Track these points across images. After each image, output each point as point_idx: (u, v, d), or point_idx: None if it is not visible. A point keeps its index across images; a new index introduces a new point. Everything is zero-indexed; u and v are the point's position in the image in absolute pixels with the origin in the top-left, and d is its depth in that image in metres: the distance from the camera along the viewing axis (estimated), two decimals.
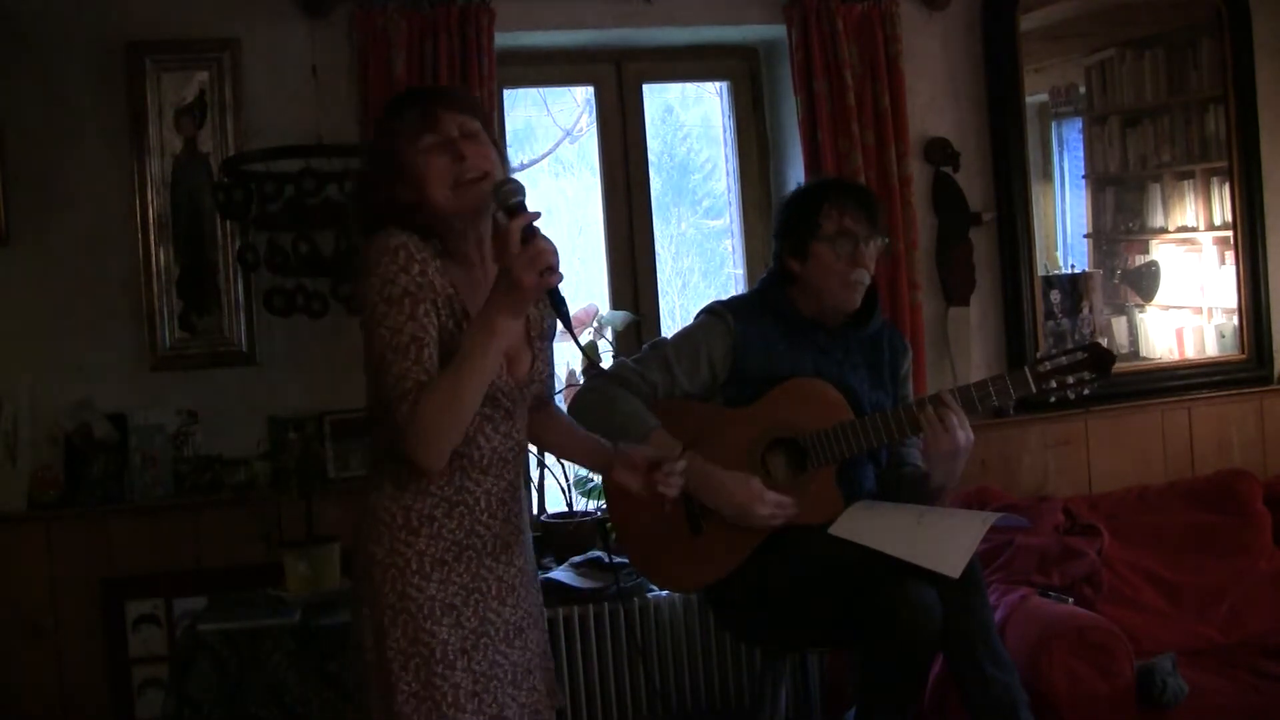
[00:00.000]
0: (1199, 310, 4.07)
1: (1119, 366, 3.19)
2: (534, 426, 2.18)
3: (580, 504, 3.68)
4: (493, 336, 1.81)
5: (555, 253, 1.82)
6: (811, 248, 2.76)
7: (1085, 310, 3.92)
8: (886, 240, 2.89)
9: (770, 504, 2.65)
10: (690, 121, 4.49)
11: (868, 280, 2.78)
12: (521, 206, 1.86)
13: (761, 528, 2.67)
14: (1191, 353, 4.04)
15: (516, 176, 1.95)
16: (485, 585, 2.00)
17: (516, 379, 1.99)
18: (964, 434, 2.62)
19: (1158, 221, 4.07)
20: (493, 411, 1.95)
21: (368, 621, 1.94)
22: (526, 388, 2.02)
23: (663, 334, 3.72)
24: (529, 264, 1.78)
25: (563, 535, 3.55)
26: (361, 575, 1.96)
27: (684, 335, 2.84)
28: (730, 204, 4.02)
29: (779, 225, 2.86)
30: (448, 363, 1.85)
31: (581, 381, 3.41)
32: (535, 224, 1.83)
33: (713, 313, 2.84)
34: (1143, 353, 4.03)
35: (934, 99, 3.77)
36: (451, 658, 1.93)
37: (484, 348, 1.82)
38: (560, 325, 1.94)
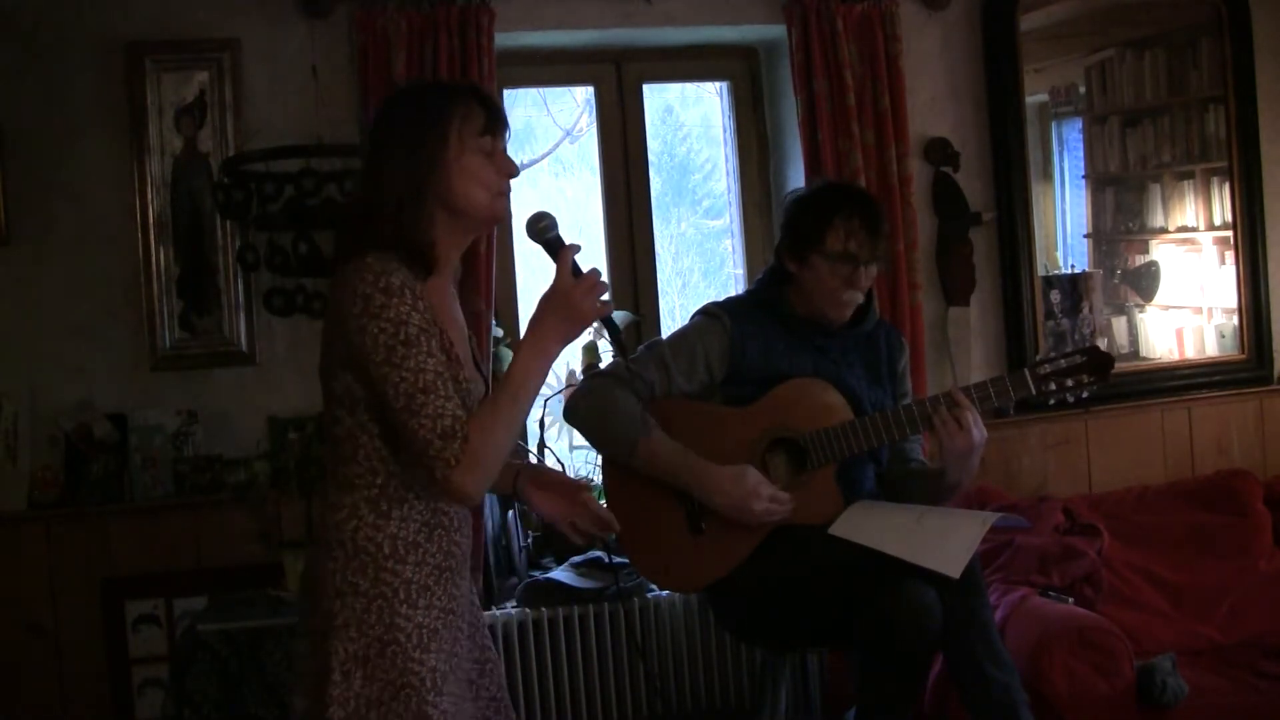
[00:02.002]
0: (1199, 310, 4.07)
1: (1119, 366, 3.19)
2: None
3: None
4: (548, 362, 1.89)
5: (604, 282, 1.90)
6: (811, 258, 2.76)
7: (1085, 310, 3.92)
8: (886, 265, 2.90)
9: (766, 498, 2.65)
10: (690, 121, 4.49)
11: (860, 300, 2.79)
12: (561, 240, 1.93)
13: (759, 525, 2.67)
14: (1191, 353, 4.04)
15: (546, 210, 1.98)
16: (458, 605, 1.98)
17: (477, 399, 1.97)
18: (978, 431, 2.64)
19: (1158, 221, 4.07)
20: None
21: (342, 652, 1.87)
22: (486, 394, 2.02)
23: (662, 334, 3.72)
24: (588, 293, 1.86)
25: (562, 535, 3.55)
26: (338, 608, 1.88)
27: (680, 335, 2.84)
28: (730, 204, 4.02)
29: (785, 221, 2.86)
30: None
31: (580, 381, 3.42)
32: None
33: (709, 314, 2.84)
34: (1143, 353, 4.03)
35: (934, 99, 3.77)
36: (440, 684, 1.90)
37: (540, 373, 1.88)
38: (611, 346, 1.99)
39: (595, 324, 1.98)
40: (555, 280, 1.88)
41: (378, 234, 1.88)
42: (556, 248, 1.91)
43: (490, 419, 1.83)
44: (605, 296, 1.89)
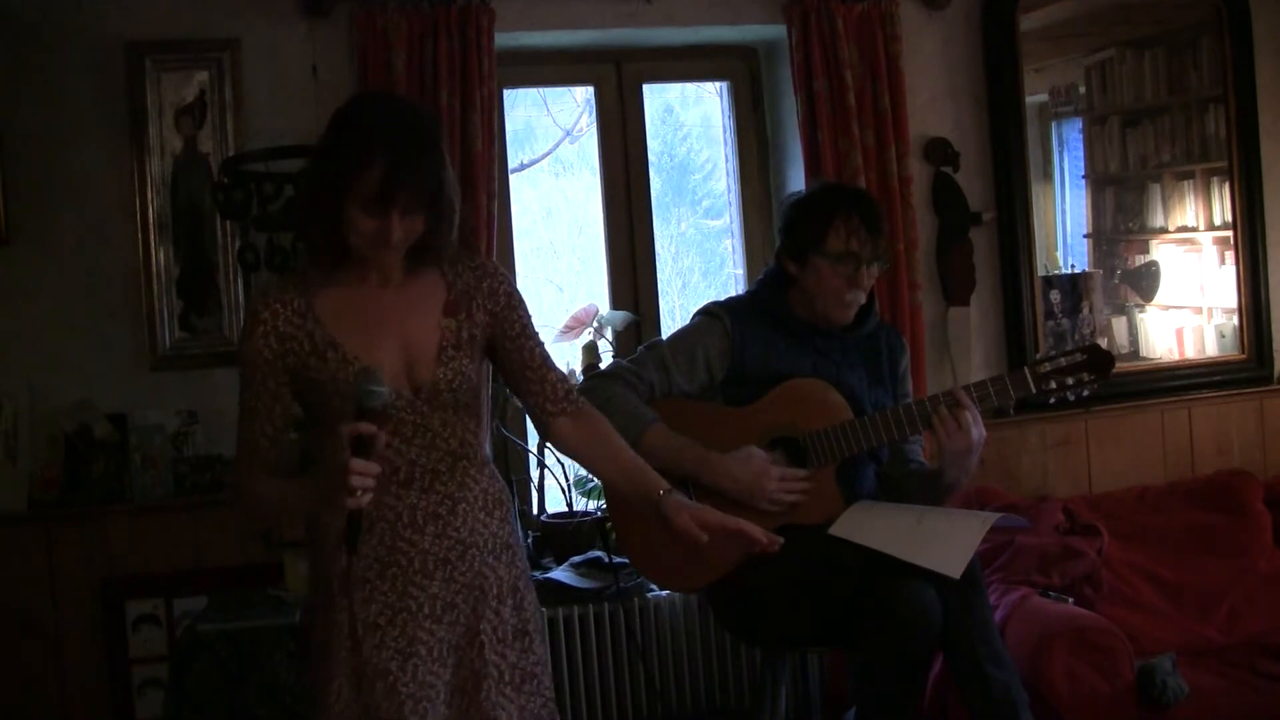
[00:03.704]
0: (1199, 310, 4.07)
1: (1119, 366, 3.19)
2: (567, 439, 2.14)
3: (580, 504, 3.68)
4: (303, 507, 2.00)
5: (374, 475, 1.79)
6: (812, 259, 2.76)
7: (1085, 310, 3.92)
8: (887, 264, 2.90)
9: (776, 478, 2.65)
10: (690, 121, 4.48)
11: (862, 300, 2.79)
12: (372, 413, 1.82)
13: (772, 510, 2.67)
14: (1191, 353, 4.04)
15: (381, 385, 1.85)
16: (415, 604, 1.97)
17: (416, 388, 1.97)
18: (977, 430, 2.64)
19: (1158, 221, 4.07)
20: (397, 426, 1.95)
21: (313, 648, 2.00)
22: (437, 397, 1.99)
23: (662, 334, 3.72)
24: (341, 483, 1.77)
25: (563, 535, 3.55)
26: (307, 601, 2.08)
27: (680, 335, 2.84)
28: (730, 204, 4.02)
29: (784, 223, 2.85)
30: (311, 403, 2.00)
31: (580, 381, 3.42)
32: (370, 437, 1.79)
33: (709, 313, 2.84)
34: (1143, 353, 4.03)
35: (934, 99, 3.77)
36: (371, 678, 1.92)
37: (301, 504, 1.98)
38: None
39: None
40: (332, 451, 1.80)
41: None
42: (361, 417, 1.81)
43: (258, 489, 2.00)
44: (367, 489, 1.79)
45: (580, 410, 2.15)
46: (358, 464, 1.77)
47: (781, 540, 2.04)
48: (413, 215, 1.91)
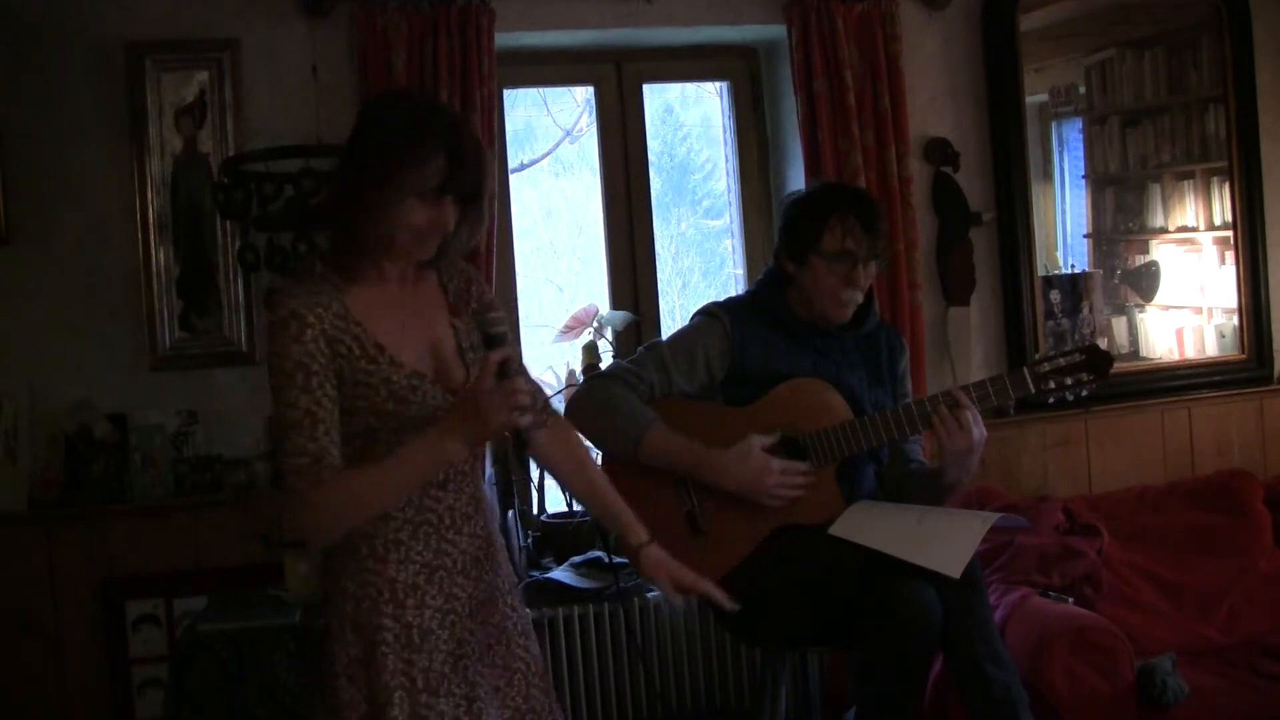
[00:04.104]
0: (1199, 310, 4.07)
1: (1119, 366, 3.19)
2: (542, 450, 2.15)
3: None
4: (440, 457, 1.84)
5: (533, 394, 1.84)
6: (809, 259, 2.76)
7: (1085, 310, 3.92)
8: (885, 262, 2.90)
9: (777, 471, 2.65)
10: (690, 121, 4.48)
11: (860, 299, 2.79)
12: (503, 338, 1.87)
13: (775, 504, 2.67)
14: (1191, 353, 4.04)
15: (499, 311, 1.94)
16: (459, 605, 1.97)
17: (451, 389, 1.97)
18: (978, 430, 2.64)
19: (1158, 221, 4.07)
20: (407, 425, 1.93)
21: (341, 660, 1.90)
22: None
23: (662, 334, 3.72)
24: (499, 403, 1.79)
25: (563, 535, 3.55)
26: (333, 611, 1.92)
27: (680, 336, 2.84)
28: (730, 204, 4.02)
29: (782, 223, 2.86)
30: (358, 409, 1.87)
31: (581, 381, 3.42)
32: (513, 361, 1.84)
33: (709, 314, 2.84)
34: (1143, 353, 4.03)
35: (934, 99, 3.77)
36: (436, 684, 1.90)
37: (426, 465, 1.86)
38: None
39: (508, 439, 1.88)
40: (476, 379, 1.85)
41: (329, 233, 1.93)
42: (494, 344, 1.86)
43: (355, 480, 1.85)
44: (526, 408, 1.82)
45: (556, 422, 2.19)
46: (518, 382, 1.81)
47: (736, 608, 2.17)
48: (464, 206, 1.93)
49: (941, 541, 2.54)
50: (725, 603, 2.15)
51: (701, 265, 4.38)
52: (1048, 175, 4.00)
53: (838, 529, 2.64)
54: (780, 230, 2.86)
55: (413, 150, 1.86)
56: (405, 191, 1.86)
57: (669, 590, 2.12)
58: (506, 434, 1.83)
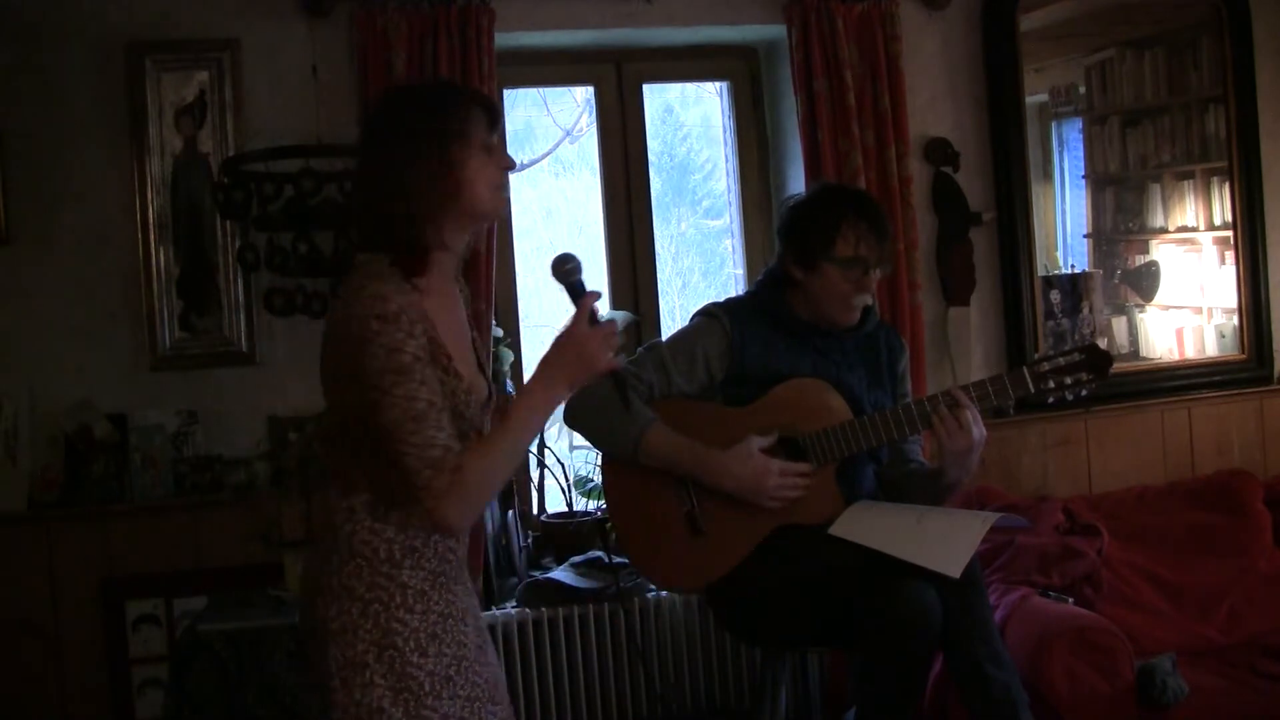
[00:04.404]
0: (1199, 310, 4.07)
1: (1119, 366, 3.19)
2: None
3: (580, 504, 3.68)
4: (553, 404, 1.91)
5: (618, 335, 1.93)
6: (820, 265, 2.75)
7: (1085, 310, 3.92)
8: (890, 268, 2.91)
9: (776, 472, 2.65)
10: (690, 121, 4.48)
11: (868, 303, 2.79)
12: (584, 285, 1.97)
13: (775, 505, 2.67)
14: (1191, 353, 4.04)
15: (577, 259, 2.02)
16: (456, 610, 1.97)
17: (486, 398, 2.00)
18: (978, 430, 2.63)
19: (1158, 221, 4.07)
20: (461, 438, 1.93)
21: (340, 658, 1.88)
22: (485, 413, 2.02)
23: (662, 334, 3.72)
24: (602, 343, 1.90)
25: (563, 535, 3.56)
26: (335, 613, 1.89)
27: (680, 336, 2.84)
28: (730, 204, 4.02)
29: (789, 228, 2.84)
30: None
31: None
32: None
33: (709, 314, 2.84)
34: (1143, 353, 4.03)
35: (934, 99, 3.77)
36: (439, 688, 1.90)
37: (544, 413, 1.92)
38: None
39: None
40: (572, 325, 1.91)
41: (386, 235, 1.89)
42: (579, 293, 1.95)
43: (487, 453, 1.87)
44: (618, 349, 1.93)
45: None
46: (608, 324, 1.92)
47: None
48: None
49: (941, 541, 2.54)
50: None
51: (701, 265, 4.39)
52: (1048, 175, 4.00)
53: (838, 529, 2.64)
54: (785, 235, 2.84)
55: (457, 106, 1.92)
56: (469, 146, 1.91)
57: None
58: (603, 373, 1.93)
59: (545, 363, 1.92)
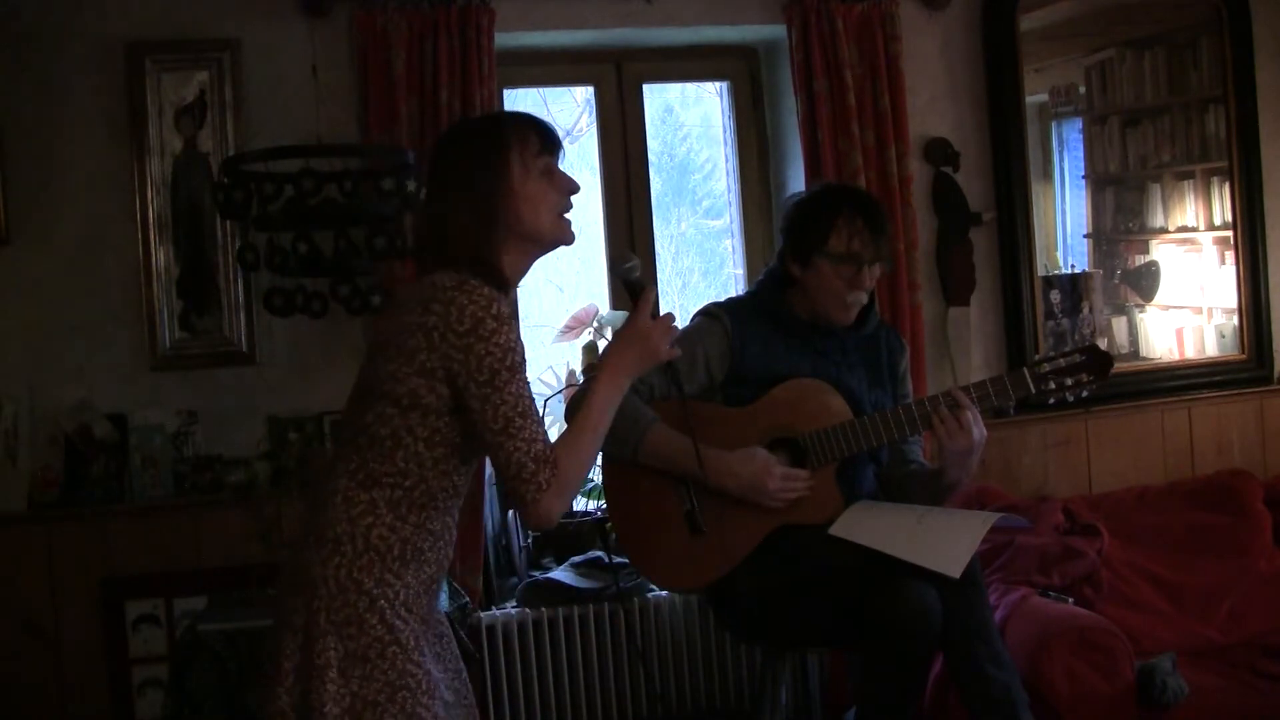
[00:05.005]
0: (1199, 310, 4.07)
1: (1119, 366, 3.19)
2: None
3: (580, 504, 3.68)
4: (621, 394, 2.02)
5: (676, 326, 2.09)
6: (815, 261, 2.75)
7: (1085, 310, 3.92)
8: (890, 265, 2.90)
9: (778, 476, 2.65)
10: (690, 121, 4.48)
11: (865, 301, 2.79)
12: (643, 283, 2.13)
13: (774, 507, 2.67)
14: (1191, 353, 4.04)
15: (635, 257, 2.22)
16: (431, 616, 2.02)
17: None
18: (978, 430, 2.64)
19: (1158, 221, 4.07)
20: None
21: (339, 651, 1.87)
22: None
23: None
24: (664, 335, 2.05)
25: (563, 535, 3.55)
26: (339, 604, 1.88)
27: (680, 336, 2.83)
28: (730, 204, 4.02)
29: (787, 224, 2.85)
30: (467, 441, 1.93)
31: (581, 381, 3.42)
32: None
33: (709, 314, 2.84)
34: (1143, 353, 4.03)
35: (934, 99, 3.77)
36: (431, 688, 1.92)
37: (615, 403, 2.01)
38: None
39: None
40: (635, 319, 2.05)
41: (454, 258, 1.94)
42: (639, 290, 2.10)
43: (575, 446, 1.95)
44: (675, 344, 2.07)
45: None
46: (668, 317, 2.07)
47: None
48: None
49: (941, 541, 2.55)
50: None
51: (701, 265, 4.38)
52: (1048, 175, 4.00)
53: (838, 529, 2.64)
54: (784, 232, 2.85)
55: (516, 131, 1.99)
56: (526, 170, 1.98)
57: None
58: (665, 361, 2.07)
59: (612, 353, 2.04)
